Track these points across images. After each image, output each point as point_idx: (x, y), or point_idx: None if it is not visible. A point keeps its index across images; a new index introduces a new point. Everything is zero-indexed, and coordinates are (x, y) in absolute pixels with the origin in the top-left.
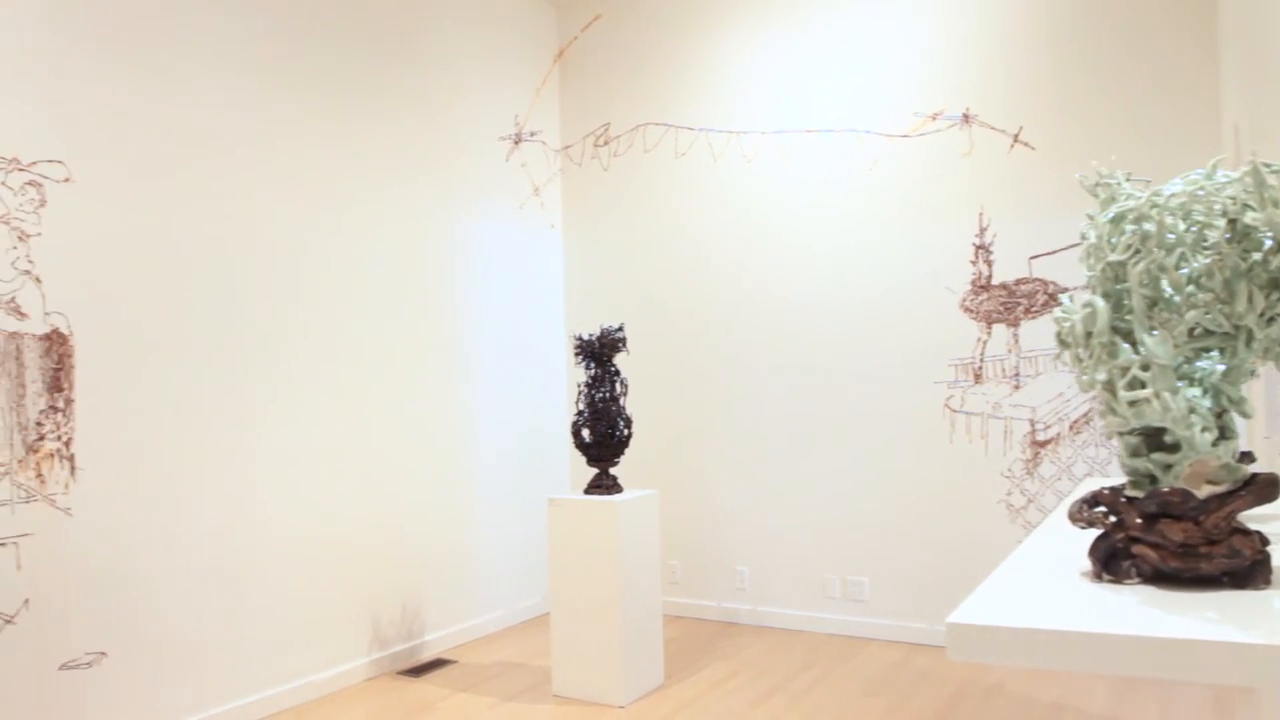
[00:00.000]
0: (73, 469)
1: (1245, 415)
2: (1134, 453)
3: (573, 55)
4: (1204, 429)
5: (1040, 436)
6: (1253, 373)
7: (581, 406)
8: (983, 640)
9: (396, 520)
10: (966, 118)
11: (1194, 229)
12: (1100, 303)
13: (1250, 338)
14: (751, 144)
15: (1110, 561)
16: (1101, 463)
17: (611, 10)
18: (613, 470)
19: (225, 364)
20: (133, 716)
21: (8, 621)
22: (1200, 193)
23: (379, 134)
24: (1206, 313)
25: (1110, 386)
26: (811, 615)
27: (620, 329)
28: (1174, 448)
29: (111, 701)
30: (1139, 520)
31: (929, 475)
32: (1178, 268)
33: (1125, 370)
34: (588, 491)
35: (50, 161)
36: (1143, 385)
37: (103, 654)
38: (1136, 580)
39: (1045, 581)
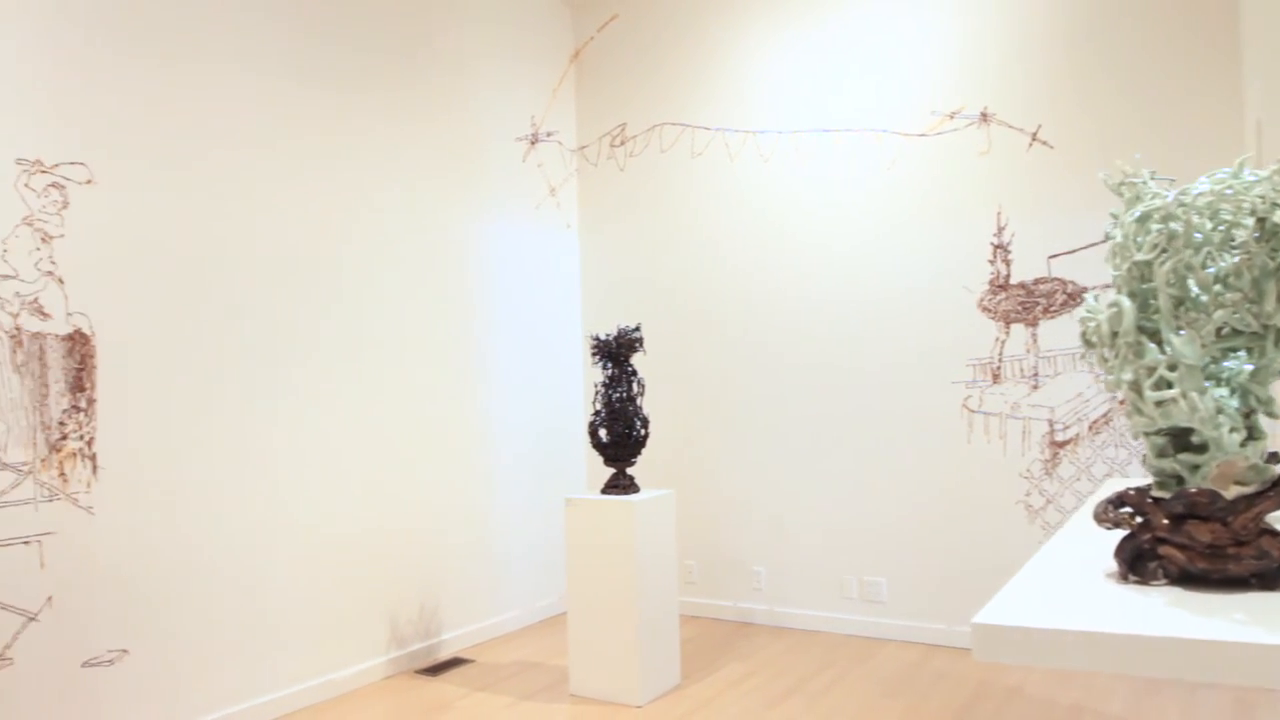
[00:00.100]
0: (94, 468)
1: (1273, 415)
2: (1161, 453)
3: (589, 55)
4: (1232, 429)
5: (1059, 437)
6: None
7: (598, 406)
8: (1009, 641)
9: (414, 520)
10: (984, 116)
11: (1221, 228)
12: (1126, 302)
13: (1279, 337)
14: (768, 143)
15: (1136, 562)
16: (1121, 463)
17: (628, 10)
18: (629, 470)
19: (245, 364)
20: (154, 714)
21: (31, 619)
22: (1228, 192)
23: (396, 135)
24: (1234, 312)
25: (1137, 387)
26: (828, 616)
27: (637, 329)
28: (1201, 448)
29: (133, 699)
30: (1166, 521)
31: (947, 475)
32: (1205, 267)
33: (1152, 370)
34: (605, 491)
35: (72, 164)
36: (1170, 385)
37: (124, 651)
38: (1163, 581)
39: (1070, 582)
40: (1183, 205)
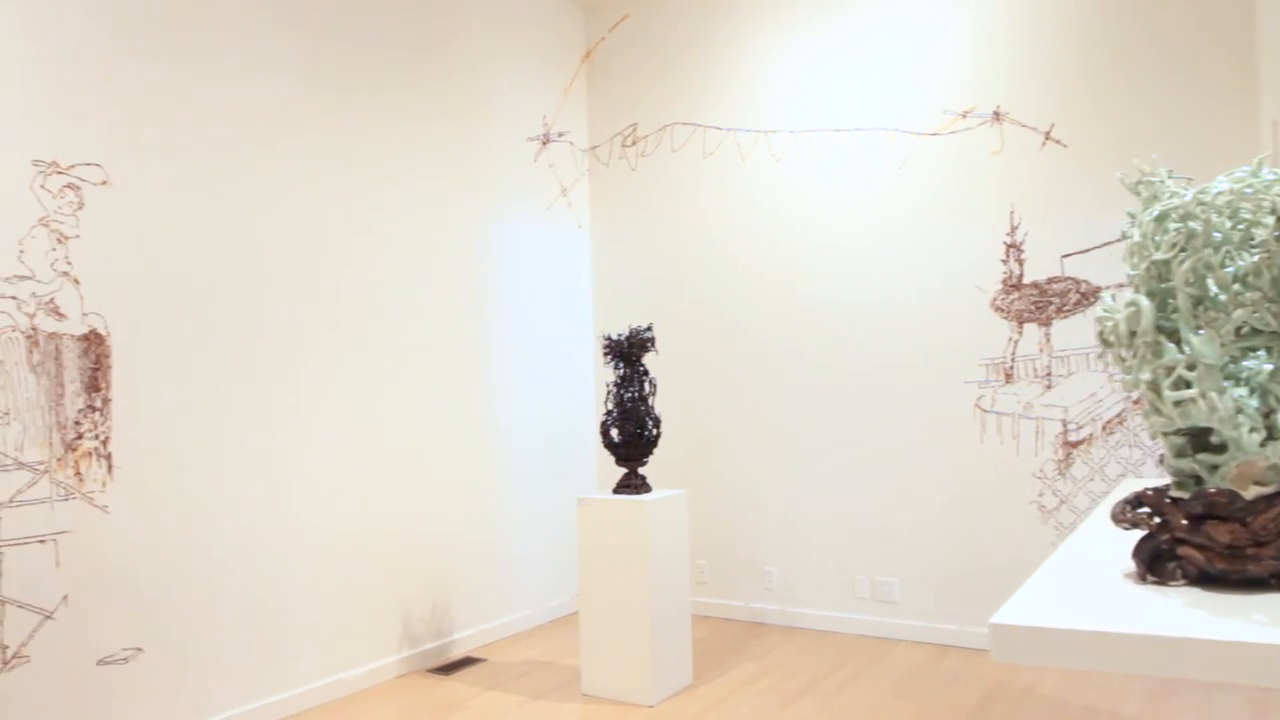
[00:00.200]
0: (110, 467)
1: None
2: (1179, 453)
3: (600, 55)
4: (1251, 429)
5: (1073, 437)
6: None
7: (610, 406)
8: (1026, 641)
9: (426, 519)
10: (997, 115)
11: (1241, 227)
12: (1145, 302)
13: None
14: (780, 143)
15: (1155, 563)
16: (1135, 463)
17: (639, 10)
18: (641, 470)
19: (258, 364)
20: (168, 711)
21: (47, 617)
22: (1248, 190)
23: (408, 135)
24: (1254, 311)
25: (1155, 386)
26: (840, 616)
27: (649, 329)
28: (1220, 448)
29: (147, 696)
30: (1185, 521)
31: (959, 475)
32: (1224, 266)
33: (1170, 370)
34: (616, 491)
35: (88, 165)
36: (1188, 385)
37: (139, 650)
38: (1182, 582)
39: (1088, 583)
40: (1202, 204)
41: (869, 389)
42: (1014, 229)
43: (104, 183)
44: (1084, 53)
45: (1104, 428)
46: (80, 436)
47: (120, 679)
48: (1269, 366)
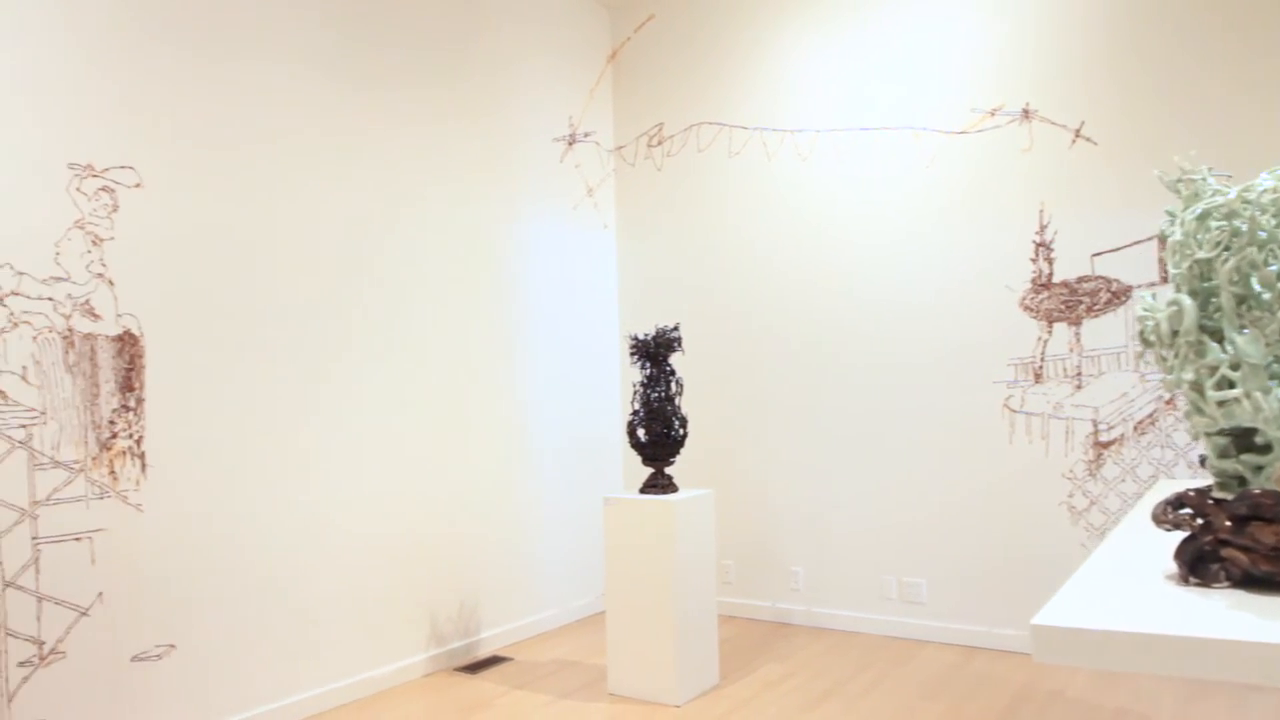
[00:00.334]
0: (143, 466)
1: None
2: (1223, 454)
3: (626, 55)
4: None
5: (1103, 437)
6: None
7: (637, 406)
8: (1068, 642)
9: (454, 518)
10: (1026, 113)
11: None
12: (1187, 301)
13: None
14: (806, 142)
15: (1198, 564)
16: (1168, 464)
17: (665, 10)
18: (668, 470)
19: (288, 364)
20: (200, 707)
21: (83, 614)
22: None
23: (435, 136)
24: None
25: (1198, 386)
26: (867, 617)
27: (676, 329)
28: (1265, 449)
29: (180, 692)
30: (1228, 523)
31: (988, 476)
32: (1268, 264)
33: (1214, 370)
34: (643, 491)
35: (122, 167)
36: (1232, 385)
37: (171, 646)
38: (1225, 584)
39: (1129, 584)
40: (1246, 202)
41: (896, 389)
42: (1043, 227)
43: (137, 185)
44: (1114, 48)
45: (1135, 428)
46: (115, 436)
47: (154, 675)
48: None
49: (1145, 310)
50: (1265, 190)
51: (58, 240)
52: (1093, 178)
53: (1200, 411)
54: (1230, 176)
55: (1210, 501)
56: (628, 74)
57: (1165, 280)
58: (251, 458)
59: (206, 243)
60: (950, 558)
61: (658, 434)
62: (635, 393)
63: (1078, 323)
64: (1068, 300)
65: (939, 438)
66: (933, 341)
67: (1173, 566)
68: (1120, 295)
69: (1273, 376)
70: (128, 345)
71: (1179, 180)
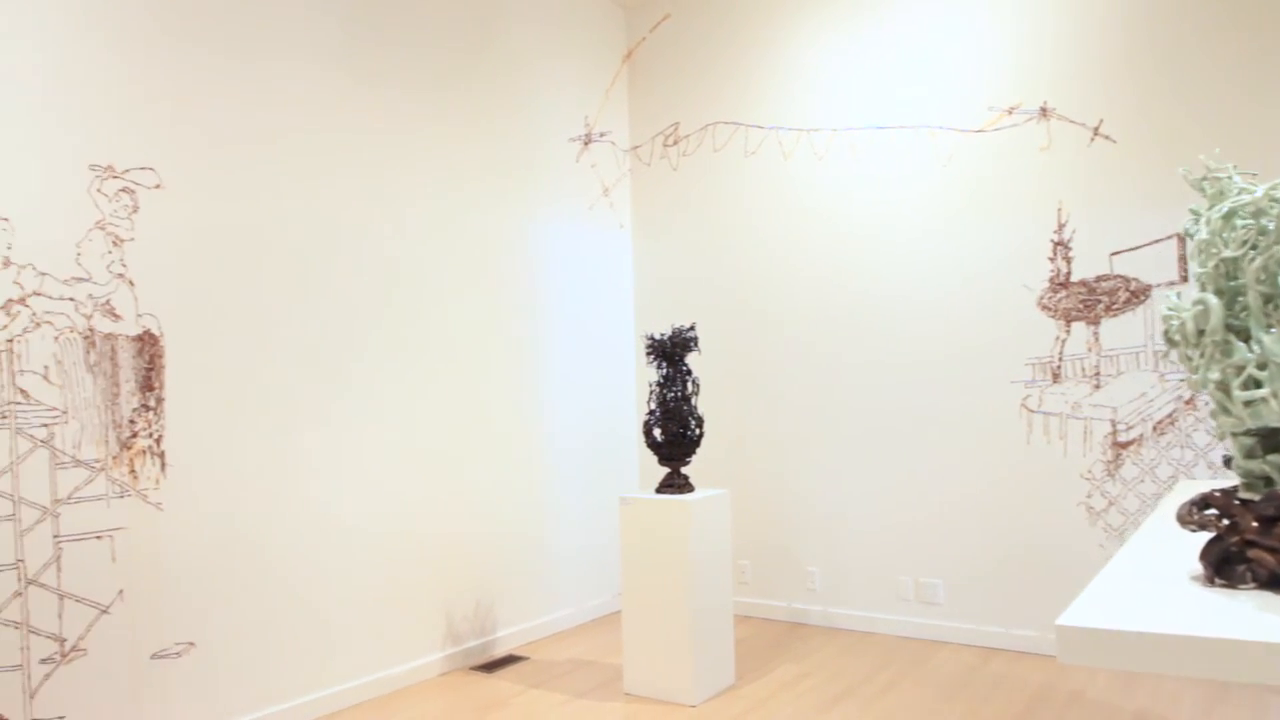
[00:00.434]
0: (163, 465)
1: None
2: (1249, 454)
3: (641, 55)
4: None
5: (1122, 438)
6: None
7: (653, 406)
8: (1094, 643)
9: (469, 518)
10: (1044, 111)
11: None
12: (1213, 300)
13: None
14: (822, 141)
15: (1224, 566)
16: (1187, 465)
17: (680, 10)
18: (684, 469)
19: (306, 364)
20: (219, 705)
21: (103, 611)
22: None
23: (452, 136)
24: None
25: (1224, 386)
26: (883, 617)
27: (692, 328)
28: None
29: (199, 690)
30: (1255, 524)
31: (1005, 476)
32: None
33: (1240, 369)
34: (659, 491)
35: (142, 169)
36: (1259, 385)
37: (191, 644)
38: (1252, 585)
39: (1154, 585)
40: (1274, 200)
41: (913, 388)
42: (1061, 226)
43: (157, 186)
44: (1132, 45)
45: (1154, 428)
46: (135, 435)
47: (173, 672)
48: None
49: (1170, 309)
50: None
51: (79, 241)
52: (1111, 176)
53: (1226, 411)
54: (1256, 175)
55: (1236, 502)
56: (643, 74)
57: (1184, 279)
58: (270, 457)
59: (226, 243)
60: (967, 558)
61: (674, 434)
62: (651, 392)
63: (1096, 322)
64: (1086, 299)
65: (956, 437)
66: (950, 341)
67: (1198, 567)
68: (1139, 294)
69: None
70: (148, 345)
71: (1204, 178)
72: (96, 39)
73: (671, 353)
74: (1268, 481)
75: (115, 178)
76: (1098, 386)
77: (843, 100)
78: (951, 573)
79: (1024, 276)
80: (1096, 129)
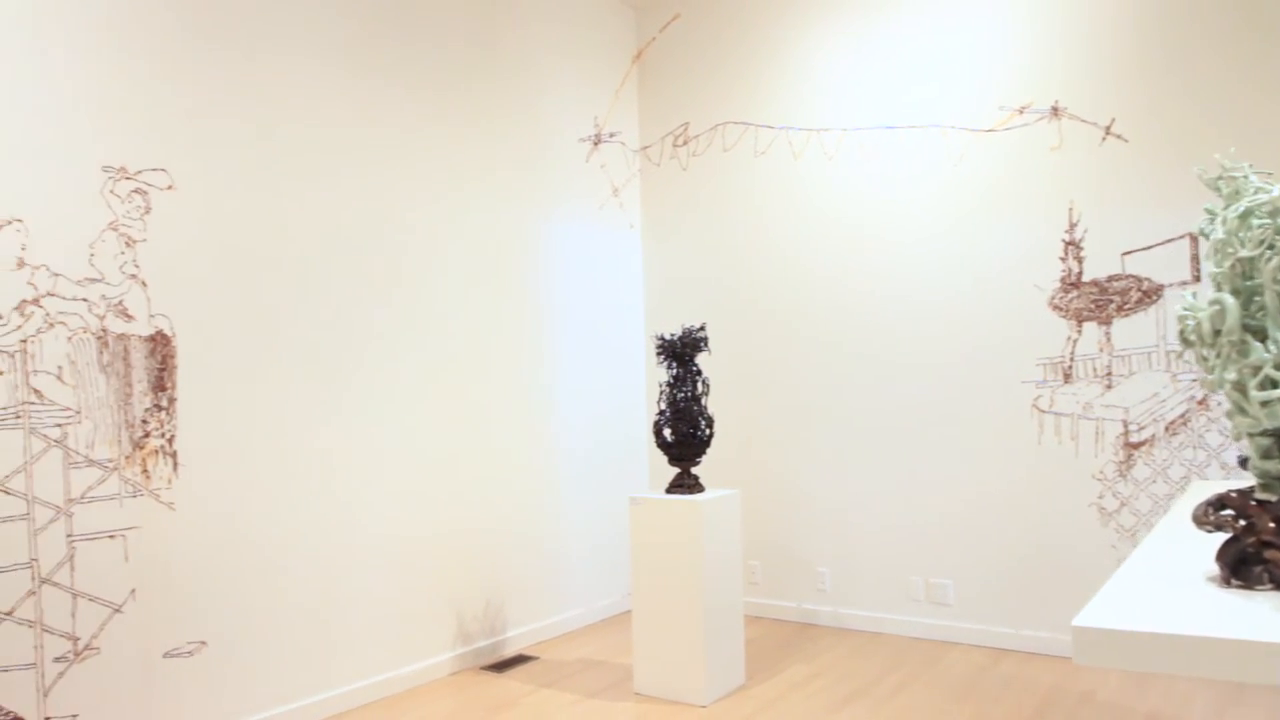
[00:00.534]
0: (175, 465)
1: None
2: (1266, 455)
3: (651, 55)
4: None
5: (1134, 438)
6: None
7: (663, 406)
8: (1110, 644)
9: (479, 518)
10: (1055, 110)
11: None
12: (1229, 300)
13: None
14: (832, 141)
15: (1240, 567)
16: (1200, 465)
17: (690, 10)
18: (694, 469)
19: (317, 364)
20: (230, 704)
21: (116, 610)
22: None
23: (462, 136)
24: None
25: (1240, 386)
26: (894, 618)
27: (702, 329)
28: None
29: (211, 689)
30: (1272, 524)
31: (1016, 477)
32: None
33: (1257, 369)
34: (669, 491)
35: (154, 170)
36: (1276, 385)
37: (203, 643)
38: (1268, 586)
39: (1170, 586)
40: None
41: (923, 388)
42: (1073, 226)
43: (169, 187)
44: (1143, 44)
45: (1167, 429)
46: (147, 435)
47: (185, 671)
48: None
49: (1186, 309)
50: None
51: (92, 242)
52: (1123, 175)
53: (1243, 412)
54: (1271, 175)
55: (1253, 503)
56: (653, 74)
57: (1197, 279)
58: (280, 457)
59: (237, 244)
60: (978, 559)
61: (684, 434)
62: (661, 392)
63: (1108, 322)
64: (1098, 299)
65: (967, 438)
66: (961, 341)
67: (1214, 568)
68: (1151, 294)
69: None
70: (160, 345)
71: (1220, 178)
72: (109, 42)
73: (681, 353)
74: None
75: (128, 179)
76: (1109, 387)
77: (853, 100)
78: (962, 573)
79: (1035, 276)
80: (1108, 128)
